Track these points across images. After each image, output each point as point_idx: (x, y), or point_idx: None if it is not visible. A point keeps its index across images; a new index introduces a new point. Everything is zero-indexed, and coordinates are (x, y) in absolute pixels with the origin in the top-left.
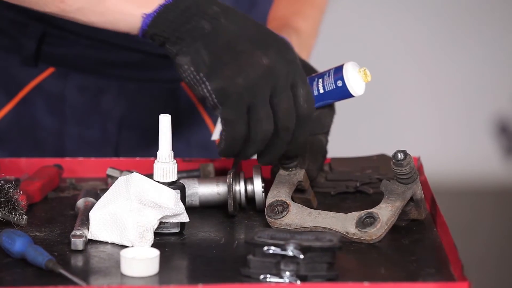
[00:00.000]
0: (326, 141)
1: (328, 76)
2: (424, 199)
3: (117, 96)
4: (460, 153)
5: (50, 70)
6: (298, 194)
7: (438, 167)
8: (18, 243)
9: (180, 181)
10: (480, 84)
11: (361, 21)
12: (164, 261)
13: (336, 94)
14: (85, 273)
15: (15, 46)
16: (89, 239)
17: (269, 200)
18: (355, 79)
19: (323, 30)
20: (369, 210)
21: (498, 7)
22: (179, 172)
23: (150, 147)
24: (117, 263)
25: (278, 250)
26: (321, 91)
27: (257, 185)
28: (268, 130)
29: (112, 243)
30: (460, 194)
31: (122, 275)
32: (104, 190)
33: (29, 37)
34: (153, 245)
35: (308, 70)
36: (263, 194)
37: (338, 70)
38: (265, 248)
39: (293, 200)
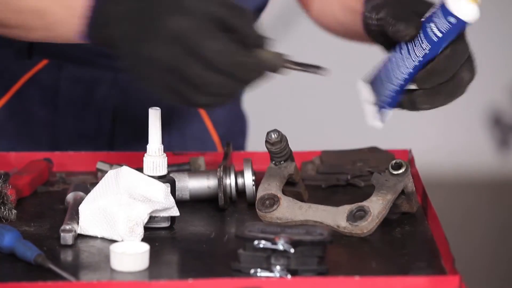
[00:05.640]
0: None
1: (438, 17)
2: (416, 192)
3: (111, 87)
4: (453, 146)
5: (44, 62)
6: (289, 187)
7: (430, 159)
8: (7, 238)
9: (170, 174)
10: None
11: None
12: (154, 255)
13: (454, 30)
14: (75, 268)
15: (8, 39)
16: (78, 234)
17: (259, 194)
18: (464, 7)
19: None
20: (360, 204)
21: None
22: (169, 165)
23: (144, 139)
24: (107, 258)
25: (268, 244)
26: (439, 34)
27: (248, 179)
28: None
29: (102, 238)
30: (453, 187)
31: (112, 270)
32: (94, 184)
33: None
34: (143, 240)
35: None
36: (254, 187)
37: (444, 7)
38: (256, 242)
39: (284, 193)
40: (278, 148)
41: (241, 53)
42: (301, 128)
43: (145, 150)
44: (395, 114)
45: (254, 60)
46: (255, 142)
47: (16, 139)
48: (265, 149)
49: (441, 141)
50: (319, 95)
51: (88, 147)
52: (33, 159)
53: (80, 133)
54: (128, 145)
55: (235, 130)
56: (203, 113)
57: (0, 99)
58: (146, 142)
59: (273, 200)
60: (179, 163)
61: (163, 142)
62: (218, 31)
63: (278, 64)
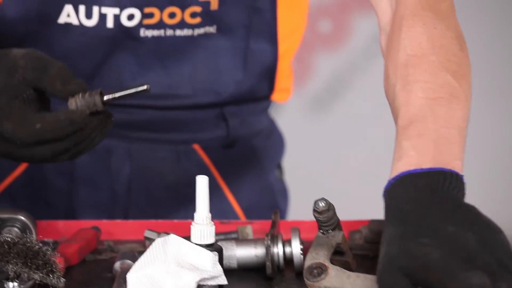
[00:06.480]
0: None
1: None
2: None
3: (125, 157)
4: (497, 214)
5: None
6: (337, 256)
7: None
8: None
9: (218, 243)
10: None
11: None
12: None
13: None
14: None
15: None
16: None
17: (307, 263)
18: None
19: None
20: None
21: None
22: (216, 234)
23: (159, 209)
24: None
25: None
26: None
27: (295, 247)
28: None
29: None
30: None
31: None
32: (142, 252)
33: None
34: None
35: None
36: (302, 256)
37: None
38: None
39: (331, 262)
40: (326, 217)
41: (34, 119)
42: (348, 197)
43: (160, 218)
44: None
45: (53, 118)
46: (303, 211)
47: (34, 206)
48: (313, 218)
49: (485, 208)
50: (366, 164)
51: (103, 215)
52: (81, 228)
53: (96, 202)
54: (142, 214)
55: (262, 204)
56: (223, 185)
57: (19, 166)
58: (162, 211)
59: (321, 269)
60: (227, 231)
61: (184, 214)
62: (17, 108)
63: (94, 104)
